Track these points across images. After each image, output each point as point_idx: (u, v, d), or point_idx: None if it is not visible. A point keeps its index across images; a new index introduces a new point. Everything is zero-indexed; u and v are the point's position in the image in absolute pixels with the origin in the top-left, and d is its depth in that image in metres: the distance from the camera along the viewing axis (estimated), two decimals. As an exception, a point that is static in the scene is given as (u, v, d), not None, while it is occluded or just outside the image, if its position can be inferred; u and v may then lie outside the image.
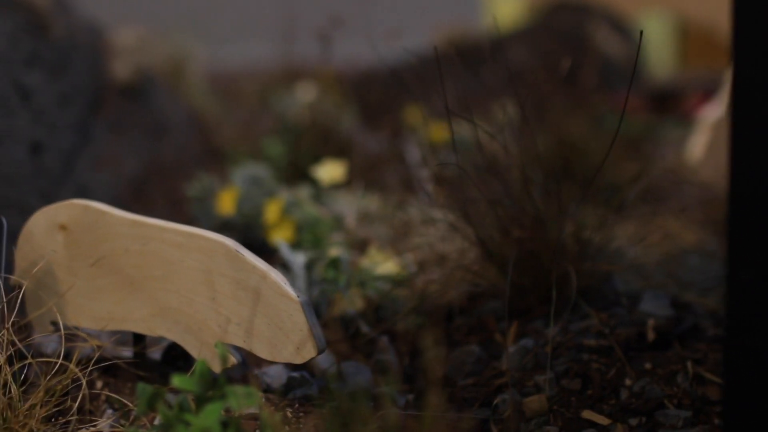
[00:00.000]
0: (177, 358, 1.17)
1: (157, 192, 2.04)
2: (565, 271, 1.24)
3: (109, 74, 2.13)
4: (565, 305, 1.23)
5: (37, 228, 1.14)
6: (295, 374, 1.11)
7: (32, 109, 1.72)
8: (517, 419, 1.07)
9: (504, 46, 2.91)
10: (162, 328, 1.08)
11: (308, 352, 1.01)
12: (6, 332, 0.97)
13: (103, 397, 1.10)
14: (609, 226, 1.31)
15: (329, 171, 1.59)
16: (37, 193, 1.65)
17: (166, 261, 1.06)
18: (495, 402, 1.08)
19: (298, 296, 1.01)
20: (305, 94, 2.55)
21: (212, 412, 0.78)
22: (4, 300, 1.00)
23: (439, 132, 2.42)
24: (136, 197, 1.95)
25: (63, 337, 1.04)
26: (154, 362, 1.17)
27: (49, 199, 1.68)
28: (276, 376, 1.13)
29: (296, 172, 1.92)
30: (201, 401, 0.83)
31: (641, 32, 1.17)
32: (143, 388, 0.85)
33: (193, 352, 1.06)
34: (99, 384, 1.12)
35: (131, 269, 1.08)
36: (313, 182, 1.70)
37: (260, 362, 1.17)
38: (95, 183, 1.87)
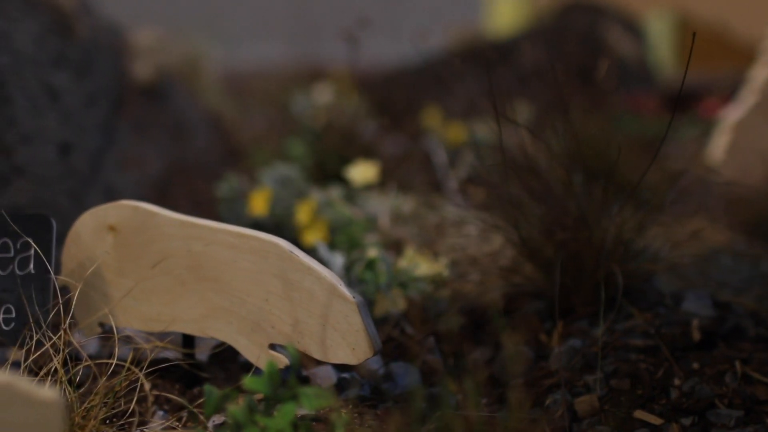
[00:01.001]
0: (224, 359, 1.16)
1: (180, 193, 2.04)
2: (608, 272, 1.24)
3: (129, 75, 2.13)
4: (609, 305, 1.23)
5: (85, 229, 1.14)
6: (346, 375, 1.11)
7: (61, 109, 1.71)
8: (570, 419, 1.07)
9: (517, 47, 2.91)
10: (213, 329, 1.08)
11: (364, 353, 1.01)
12: (63, 334, 0.96)
13: (151, 398, 1.10)
14: (648, 226, 1.32)
15: (362, 172, 1.59)
16: (66, 194, 1.64)
17: (219, 262, 1.06)
18: (547, 402, 1.08)
19: (354, 297, 1.01)
20: (323, 94, 2.55)
21: (287, 414, 0.78)
22: (61, 301, 1.00)
23: (457, 133, 2.42)
24: (160, 198, 1.94)
25: (116, 338, 1.04)
26: (201, 363, 1.16)
27: (78, 199, 1.68)
28: (325, 377, 1.13)
29: (321, 173, 1.91)
30: (270, 402, 0.83)
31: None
32: (210, 390, 0.85)
33: (245, 353, 1.06)
34: (147, 385, 1.11)
35: (182, 270, 1.08)
36: (344, 182, 1.70)
37: (307, 363, 1.17)
38: (122, 183, 1.86)
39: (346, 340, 1.01)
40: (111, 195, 1.78)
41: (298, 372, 1.13)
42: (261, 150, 2.20)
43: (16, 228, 1.07)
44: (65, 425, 0.74)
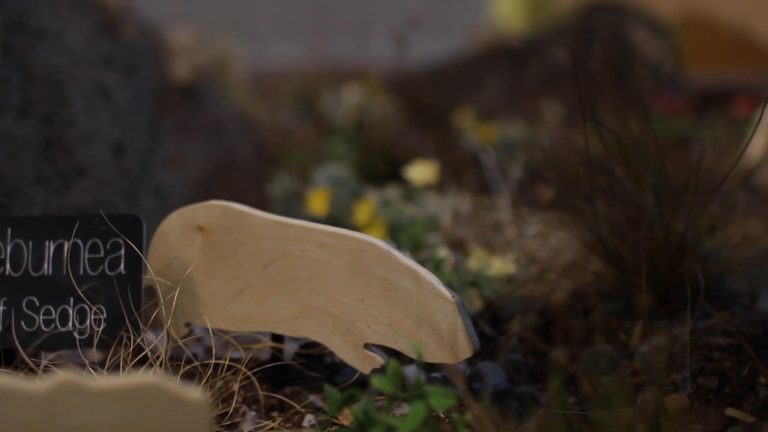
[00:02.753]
0: (312, 359, 1.16)
1: (222, 193, 2.04)
2: (682, 271, 1.25)
3: (169, 74, 2.12)
4: (685, 305, 1.24)
5: (172, 229, 1.13)
6: (437, 375, 1.11)
7: (113, 109, 1.71)
8: (662, 417, 1.07)
9: (543, 47, 2.92)
10: (306, 329, 1.08)
11: (463, 352, 1.01)
12: (166, 334, 0.96)
13: (239, 399, 1.10)
14: (719, 226, 1.32)
15: (421, 171, 1.59)
16: (120, 194, 1.64)
17: (313, 262, 1.06)
18: (638, 401, 1.09)
19: (453, 296, 1.01)
20: (353, 94, 2.55)
21: (418, 413, 0.78)
22: (162, 301, 1.00)
23: (489, 133, 2.43)
24: (204, 198, 1.94)
25: (213, 339, 1.04)
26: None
27: (132, 200, 1.68)
28: (412, 377, 1.13)
29: (368, 173, 1.92)
30: (392, 401, 0.84)
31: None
32: (331, 391, 0.85)
33: (340, 353, 1.06)
34: (235, 386, 1.11)
35: (274, 270, 1.08)
36: (398, 182, 1.70)
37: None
38: (170, 184, 1.86)
39: (444, 340, 1.01)
40: (161, 195, 1.78)
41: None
42: (297, 150, 2.20)
43: (113, 228, 1.07)
44: (211, 425, 0.74)
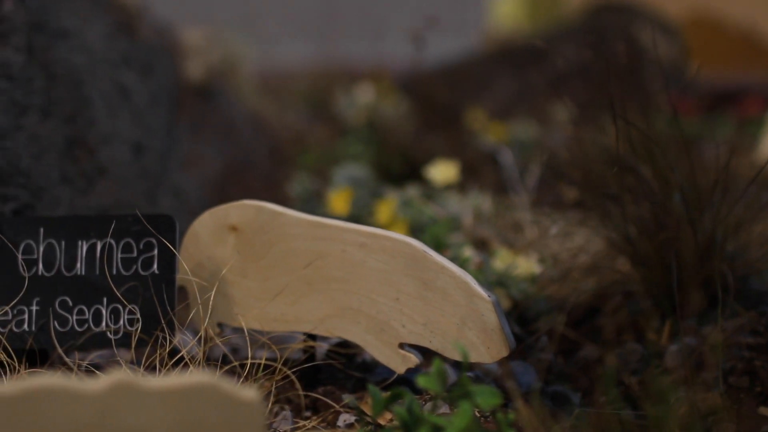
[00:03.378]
0: (344, 358, 1.16)
1: (236, 192, 2.04)
2: (710, 271, 1.25)
3: (183, 74, 2.12)
4: (712, 304, 1.24)
5: (204, 229, 1.13)
6: (470, 374, 1.11)
7: (132, 109, 1.71)
8: (694, 416, 1.08)
9: (553, 48, 2.92)
10: (340, 329, 1.08)
11: (499, 351, 1.01)
12: (204, 334, 0.96)
13: (272, 399, 1.10)
14: (746, 226, 1.33)
15: (442, 171, 1.59)
16: (140, 194, 1.64)
17: (347, 262, 1.06)
18: (671, 400, 1.09)
19: (489, 295, 1.01)
20: (364, 94, 2.55)
21: (466, 413, 0.79)
22: (200, 301, 1.00)
23: (499, 132, 2.43)
24: (221, 198, 1.94)
25: (248, 339, 1.04)
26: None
27: (152, 200, 1.68)
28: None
29: (385, 173, 1.92)
30: (437, 401, 0.84)
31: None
32: (375, 391, 0.85)
33: (374, 352, 1.06)
34: (270, 386, 1.11)
35: (308, 270, 1.08)
36: (417, 182, 1.71)
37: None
38: (187, 184, 1.86)
39: (480, 339, 1.01)
40: (179, 195, 1.78)
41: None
42: (310, 150, 2.20)
43: (148, 227, 1.07)
44: (266, 426, 0.74)
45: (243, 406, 0.71)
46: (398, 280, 1.04)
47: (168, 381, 0.70)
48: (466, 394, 0.82)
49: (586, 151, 1.42)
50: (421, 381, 0.82)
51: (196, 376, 0.70)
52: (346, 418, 1.04)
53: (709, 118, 2.61)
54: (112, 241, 1.10)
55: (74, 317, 1.09)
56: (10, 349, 1.06)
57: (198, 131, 2.08)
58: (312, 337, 1.13)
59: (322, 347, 1.17)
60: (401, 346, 1.05)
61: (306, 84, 2.97)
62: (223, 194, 1.99)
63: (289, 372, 0.98)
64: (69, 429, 0.70)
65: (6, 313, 1.08)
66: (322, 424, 1.04)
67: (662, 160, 1.28)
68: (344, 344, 1.17)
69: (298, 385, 0.99)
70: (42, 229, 1.11)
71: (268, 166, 2.30)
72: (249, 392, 0.71)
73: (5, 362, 1.04)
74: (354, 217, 1.64)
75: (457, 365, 1.15)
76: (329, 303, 1.08)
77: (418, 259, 1.03)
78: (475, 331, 1.01)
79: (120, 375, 0.70)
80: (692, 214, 1.25)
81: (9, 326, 1.08)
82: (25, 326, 1.08)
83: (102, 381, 0.70)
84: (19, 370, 1.04)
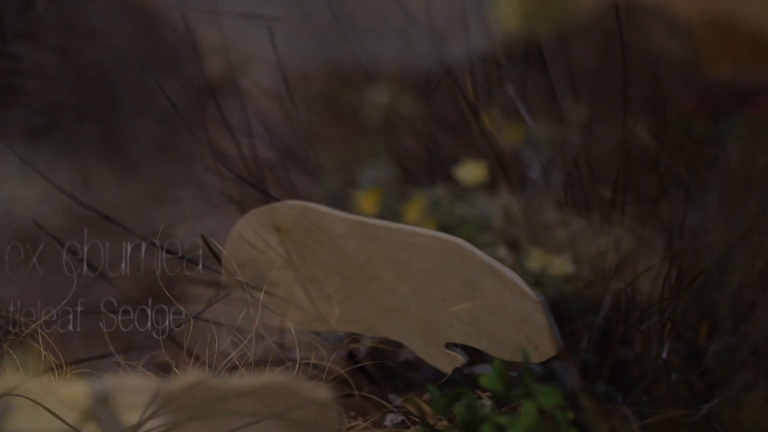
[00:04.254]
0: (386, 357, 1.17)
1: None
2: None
3: (203, 74, 2.12)
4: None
5: (247, 230, 1.13)
6: (513, 374, 1.12)
7: (158, 109, 1.71)
8: (736, 416, 1.08)
9: (564, 46, 2.92)
10: (385, 329, 1.08)
11: (547, 352, 1.01)
12: (253, 336, 0.97)
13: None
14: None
15: (471, 171, 1.60)
16: (166, 192, 1.64)
17: (394, 261, 1.07)
18: (716, 400, 1.10)
19: (537, 295, 1.02)
20: (381, 95, 2.55)
21: (531, 413, 0.79)
22: (251, 301, 1.00)
23: (516, 131, 2.43)
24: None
25: (296, 340, 1.04)
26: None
27: (177, 198, 1.68)
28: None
29: (406, 172, 1.92)
30: (499, 400, 0.84)
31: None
32: (434, 391, 0.86)
33: (420, 352, 1.06)
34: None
35: (354, 270, 1.08)
36: (449, 182, 1.71)
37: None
38: (211, 186, 1.86)
39: (528, 339, 1.01)
40: (205, 198, 1.78)
41: (461, 370, 1.13)
42: (329, 149, 2.20)
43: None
44: (342, 425, 0.74)
45: (320, 406, 0.71)
46: (446, 280, 1.05)
47: (244, 380, 0.70)
48: (529, 393, 0.82)
49: (616, 151, 1.43)
50: (483, 381, 0.83)
51: (273, 376, 0.71)
52: (393, 417, 1.05)
53: (722, 118, 2.62)
54: (157, 241, 1.10)
55: (119, 318, 1.09)
56: (57, 351, 1.06)
57: (218, 131, 2.07)
58: (356, 337, 1.13)
59: (364, 347, 1.17)
60: (447, 345, 1.06)
61: (322, 83, 2.96)
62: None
63: (343, 372, 0.98)
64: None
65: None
66: (365, 426, 1.04)
67: (698, 159, 1.28)
68: (385, 343, 1.17)
69: (352, 383, 1.00)
70: (86, 230, 1.11)
71: (286, 166, 2.30)
72: (324, 392, 0.72)
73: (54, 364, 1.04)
74: (382, 217, 1.64)
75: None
76: (375, 303, 1.08)
77: (466, 259, 1.04)
78: (523, 331, 1.02)
79: (196, 374, 0.70)
80: (729, 214, 1.25)
81: (54, 327, 1.08)
82: (70, 327, 1.09)
83: (177, 381, 0.71)
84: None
